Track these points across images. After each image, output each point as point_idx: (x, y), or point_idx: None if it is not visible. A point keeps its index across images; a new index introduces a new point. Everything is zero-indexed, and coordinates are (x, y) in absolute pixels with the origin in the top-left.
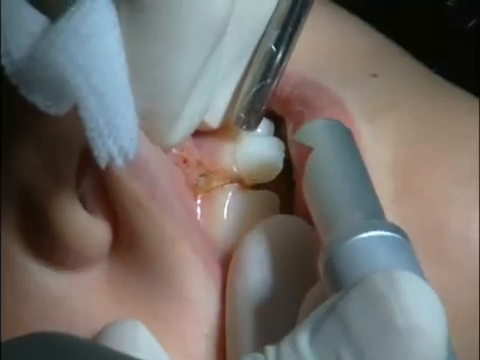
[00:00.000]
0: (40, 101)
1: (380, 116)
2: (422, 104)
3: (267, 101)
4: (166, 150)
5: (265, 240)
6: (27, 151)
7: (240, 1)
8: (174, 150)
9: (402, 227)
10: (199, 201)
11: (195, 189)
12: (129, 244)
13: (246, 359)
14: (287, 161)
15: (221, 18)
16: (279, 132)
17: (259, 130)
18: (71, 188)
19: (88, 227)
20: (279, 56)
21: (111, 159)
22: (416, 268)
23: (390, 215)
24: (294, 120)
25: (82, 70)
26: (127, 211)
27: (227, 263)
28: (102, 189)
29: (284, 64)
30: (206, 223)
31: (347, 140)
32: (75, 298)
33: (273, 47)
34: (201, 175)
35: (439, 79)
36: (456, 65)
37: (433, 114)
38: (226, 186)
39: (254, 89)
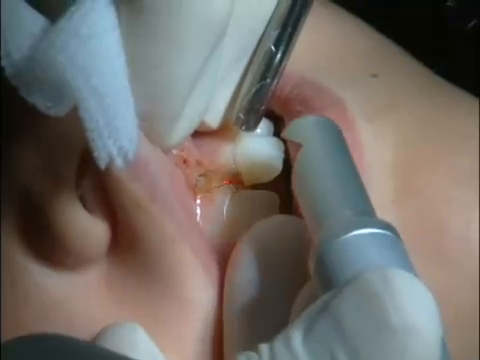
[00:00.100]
0: (40, 102)
1: (380, 116)
2: (422, 104)
3: (266, 101)
4: (166, 151)
5: (263, 240)
6: (27, 152)
7: (240, 1)
8: (174, 150)
9: (402, 228)
10: (199, 201)
11: (195, 189)
12: (129, 245)
13: (240, 358)
14: (287, 161)
15: (221, 18)
16: (279, 132)
17: (259, 130)
18: (71, 189)
19: (88, 227)
20: (279, 56)
21: (111, 160)
22: (407, 265)
23: (390, 215)
24: None
25: (82, 71)
26: (127, 212)
27: (226, 264)
28: (102, 190)
29: (283, 64)
30: (205, 223)
31: (336, 136)
32: (75, 299)
33: (273, 47)
34: (201, 175)
35: (439, 79)
36: (456, 65)
37: (433, 114)
38: (226, 186)
39: (254, 89)
